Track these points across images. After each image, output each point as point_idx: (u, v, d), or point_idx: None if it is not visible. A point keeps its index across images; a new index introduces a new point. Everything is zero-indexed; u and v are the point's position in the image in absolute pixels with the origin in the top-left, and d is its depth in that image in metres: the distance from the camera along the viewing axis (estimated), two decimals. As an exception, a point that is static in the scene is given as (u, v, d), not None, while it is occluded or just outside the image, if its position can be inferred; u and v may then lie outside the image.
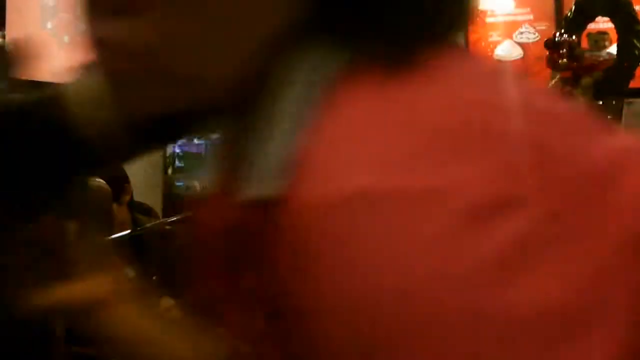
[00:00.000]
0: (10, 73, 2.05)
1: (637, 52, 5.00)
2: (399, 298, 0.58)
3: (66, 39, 4.53)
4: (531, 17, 7.10)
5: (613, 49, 5.11)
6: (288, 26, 0.69)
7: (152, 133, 1.06)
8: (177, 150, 7.38)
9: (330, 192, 0.61)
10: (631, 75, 5.08)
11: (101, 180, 2.77)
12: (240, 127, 0.72)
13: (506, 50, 7.18)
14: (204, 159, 7.83)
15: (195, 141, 7.89)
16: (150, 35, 0.67)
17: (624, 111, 4.62)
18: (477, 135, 0.62)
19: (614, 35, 5.13)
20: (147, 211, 3.77)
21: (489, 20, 7.18)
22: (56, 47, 4.46)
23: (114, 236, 2.72)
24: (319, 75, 0.68)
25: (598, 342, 0.57)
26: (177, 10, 0.66)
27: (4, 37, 4.63)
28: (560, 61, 5.10)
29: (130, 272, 3.85)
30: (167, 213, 4.44)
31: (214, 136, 0.84)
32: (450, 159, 0.61)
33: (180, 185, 5.63)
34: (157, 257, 3.59)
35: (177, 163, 6.99)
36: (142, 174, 4.74)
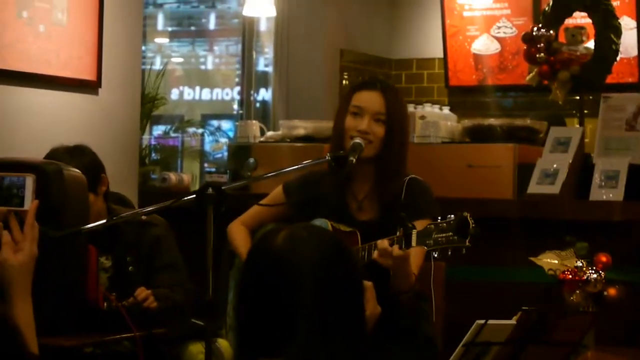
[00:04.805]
0: None
1: (614, 47, 5.02)
2: None
3: (42, 28, 4.49)
4: (509, 11, 7.11)
5: (590, 44, 5.13)
6: None
7: None
8: (154, 143, 7.34)
9: None
10: (608, 70, 5.10)
11: (77, 170, 2.75)
12: None
13: (484, 44, 7.19)
14: (179, 152, 7.81)
15: (172, 134, 7.86)
16: None
17: (601, 106, 4.64)
18: None
19: (591, 30, 5.15)
20: (123, 201, 3.75)
21: (466, 14, 7.19)
22: (31, 36, 4.42)
23: (90, 226, 2.70)
24: None
25: None
26: None
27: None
28: (537, 55, 5.10)
29: (105, 261, 3.81)
30: (142, 204, 4.41)
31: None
32: None
33: (155, 178, 5.60)
34: (132, 246, 3.57)
35: (153, 155, 6.96)
36: (118, 166, 4.72)
